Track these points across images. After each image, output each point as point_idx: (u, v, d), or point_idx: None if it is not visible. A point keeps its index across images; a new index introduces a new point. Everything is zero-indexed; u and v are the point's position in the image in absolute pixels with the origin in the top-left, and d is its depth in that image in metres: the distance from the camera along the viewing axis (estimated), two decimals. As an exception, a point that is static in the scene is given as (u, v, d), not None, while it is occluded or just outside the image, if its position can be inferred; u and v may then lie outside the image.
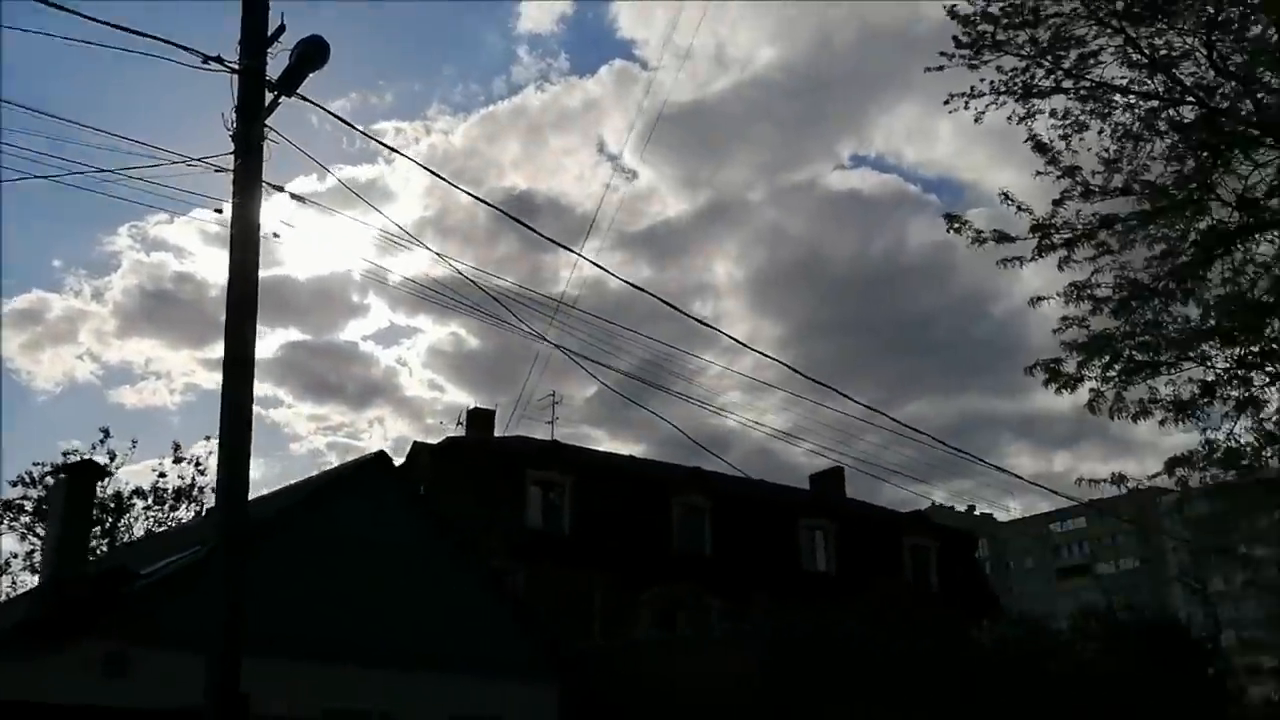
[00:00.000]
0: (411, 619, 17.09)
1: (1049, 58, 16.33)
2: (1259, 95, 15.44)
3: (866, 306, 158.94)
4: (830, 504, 36.19)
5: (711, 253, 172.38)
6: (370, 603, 16.76)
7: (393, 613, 16.98)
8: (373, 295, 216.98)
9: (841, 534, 34.95)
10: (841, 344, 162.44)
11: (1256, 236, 16.74)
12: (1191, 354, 16.97)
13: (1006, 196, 17.28)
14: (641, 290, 12.68)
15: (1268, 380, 16.35)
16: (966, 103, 16.89)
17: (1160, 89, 16.04)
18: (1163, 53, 15.65)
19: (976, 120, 17.11)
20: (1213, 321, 16.31)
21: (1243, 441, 17.01)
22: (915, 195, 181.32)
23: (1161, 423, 17.49)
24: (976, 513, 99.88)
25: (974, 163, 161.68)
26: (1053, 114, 16.59)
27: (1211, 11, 15.09)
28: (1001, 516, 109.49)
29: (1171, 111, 16.22)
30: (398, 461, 33.86)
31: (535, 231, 21.08)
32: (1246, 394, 16.63)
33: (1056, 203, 17.20)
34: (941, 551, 36.40)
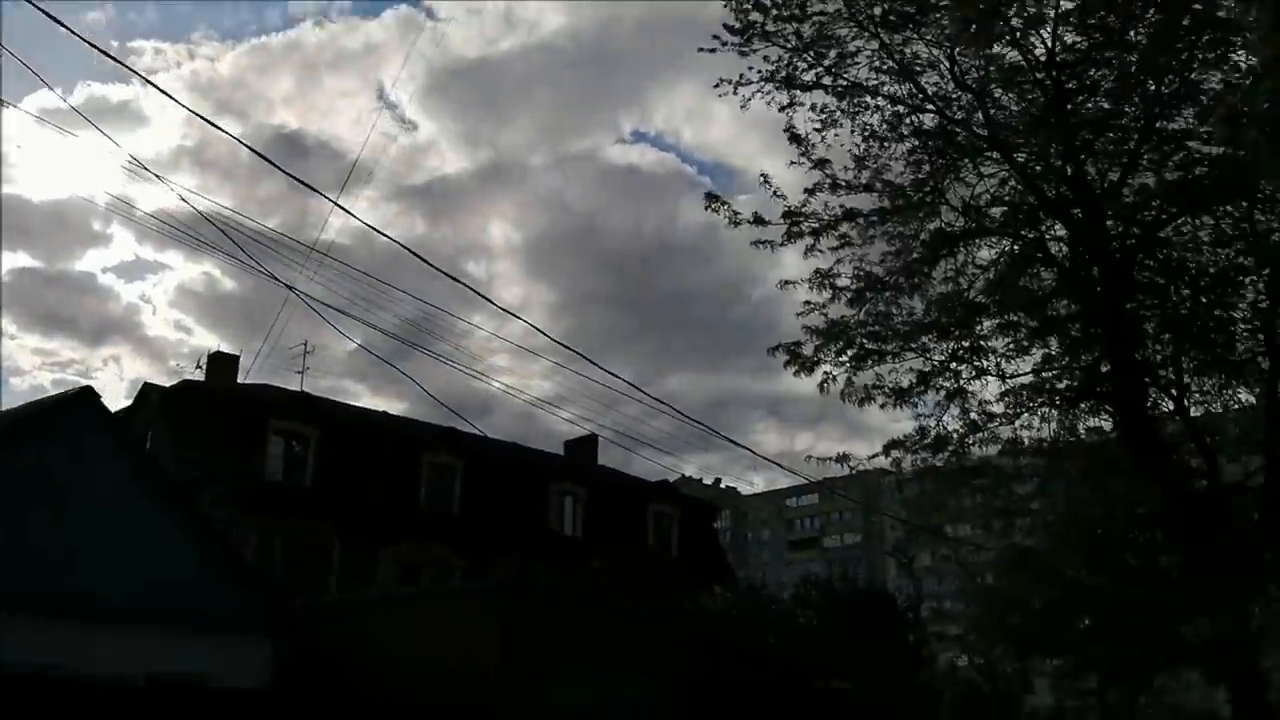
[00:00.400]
0: (108, 569, 15.72)
1: (812, 53, 17.04)
2: (991, 110, 16.74)
3: (639, 280, 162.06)
4: (582, 470, 36.65)
5: (489, 213, 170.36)
6: (61, 550, 15.27)
7: (87, 562, 15.58)
8: (117, 225, 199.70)
9: (591, 500, 35.48)
10: (613, 315, 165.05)
11: (977, 241, 18.25)
12: (913, 345, 18.34)
13: (765, 180, 18.02)
14: (403, 247, 12.20)
15: (974, 374, 17.93)
16: (735, 88, 17.36)
17: (906, 95, 17.12)
18: (911, 61, 16.67)
19: (743, 106, 17.67)
20: (933, 316, 17.66)
21: (950, 429, 18.64)
22: (690, 176, 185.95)
23: (882, 407, 18.84)
24: (722, 486, 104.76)
25: (746, 150, 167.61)
26: (812, 108, 17.39)
27: (958, 28, 16.16)
28: (745, 490, 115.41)
29: (914, 118, 17.37)
30: (126, 403, 31.38)
31: (290, 175, 19.89)
32: (956, 385, 18.19)
33: (809, 192, 18.09)
34: (683, 520, 37.72)
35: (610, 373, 17.17)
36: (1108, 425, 18.94)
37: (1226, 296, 17.83)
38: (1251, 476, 18.17)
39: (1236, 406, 18.80)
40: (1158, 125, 16.14)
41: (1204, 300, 17.78)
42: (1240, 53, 13.74)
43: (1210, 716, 47.22)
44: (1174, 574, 18.62)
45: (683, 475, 74.39)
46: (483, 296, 15.24)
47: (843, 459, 19.13)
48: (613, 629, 18.61)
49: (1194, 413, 18.54)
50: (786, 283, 20.31)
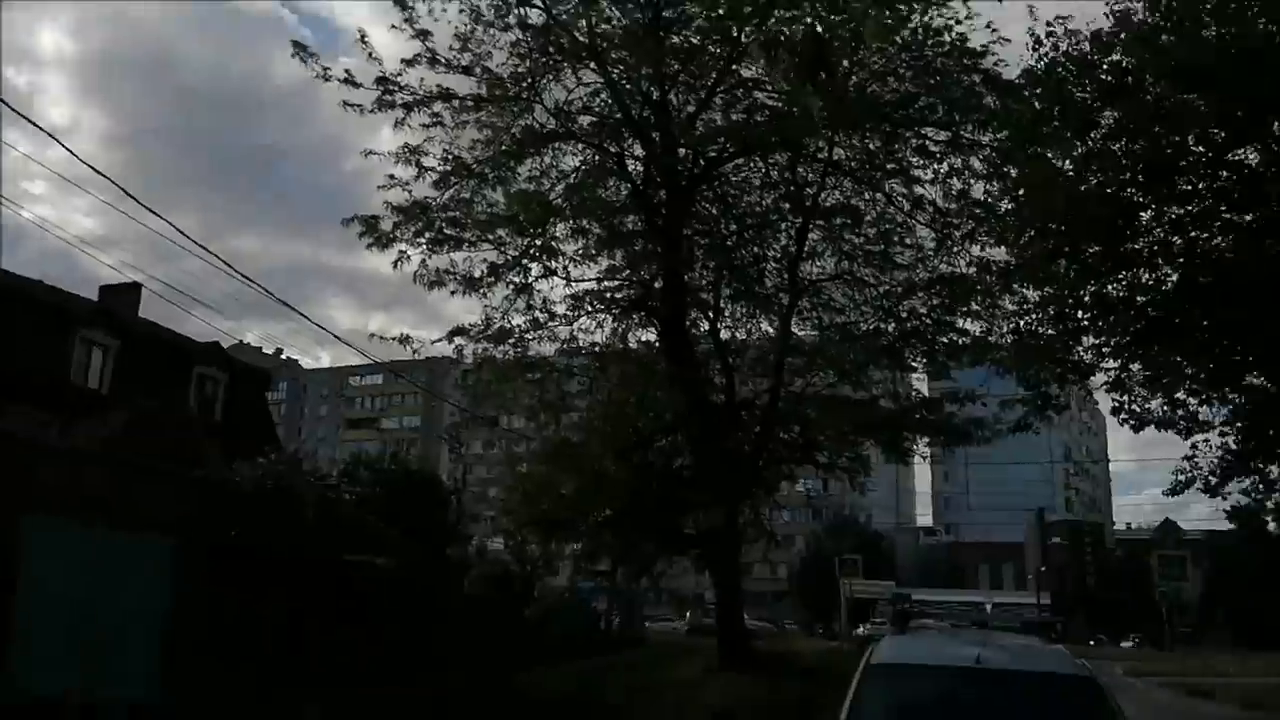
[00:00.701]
0: None
1: (427, -85, 16.36)
2: (594, 20, 17.18)
3: (218, 126, 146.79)
4: (116, 320, 33.06)
5: (36, 15, 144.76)
6: None
7: None
8: None
9: (124, 353, 32.12)
10: (182, 158, 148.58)
11: (564, 146, 18.89)
12: (490, 237, 18.68)
13: (363, 38, 17.15)
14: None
15: (543, 273, 18.67)
16: (343, -67, 16.27)
17: (515, -18, 17.05)
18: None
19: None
20: (513, 211, 17.99)
21: (514, 323, 19.33)
22: (291, 24, 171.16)
23: (453, 293, 19.06)
24: (283, 357, 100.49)
25: (355, 7, 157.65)
26: (422, -27, 16.75)
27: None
28: (308, 364, 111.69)
29: (522, 9, 17.39)
30: None
31: None
32: (525, 281, 18.85)
33: (407, 63, 17.54)
34: (233, 386, 35.53)
35: (165, 219, 15.29)
36: (653, 337, 20.78)
37: (765, 237, 20.15)
38: (760, 396, 20.87)
39: (758, 336, 21.32)
40: (735, 68, 17.59)
41: (746, 236, 19.93)
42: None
43: (700, 599, 54.80)
44: (685, 474, 20.91)
45: (241, 341, 70.43)
46: (9, 106, 12.94)
47: (405, 340, 19.20)
48: (125, 485, 17.21)
49: (724, 335, 20.85)
50: (371, 153, 19.85)
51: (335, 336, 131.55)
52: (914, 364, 20.45)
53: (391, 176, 18.49)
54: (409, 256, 18.41)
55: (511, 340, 19.21)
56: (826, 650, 28.09)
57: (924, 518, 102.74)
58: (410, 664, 16.36)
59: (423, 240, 18.58)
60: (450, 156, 18.51)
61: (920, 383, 22.61)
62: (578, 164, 19.00)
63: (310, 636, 15.90)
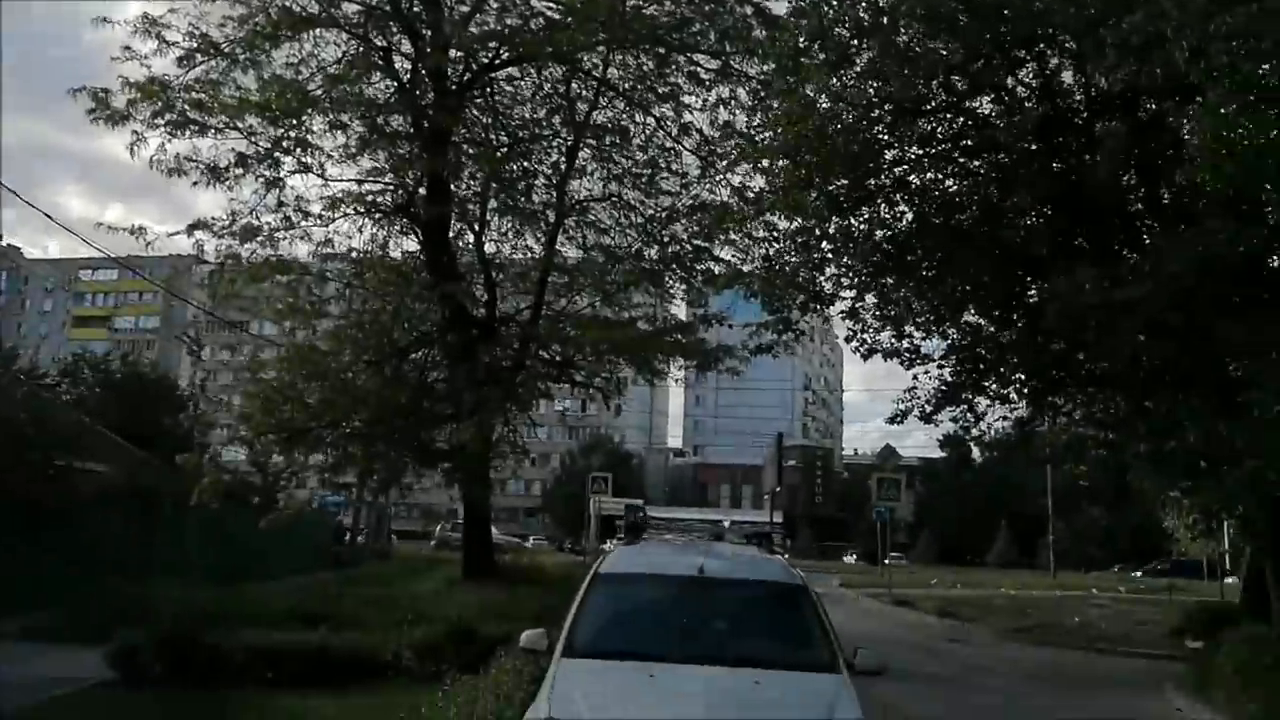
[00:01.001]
0: None
1: None
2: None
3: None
4: None
5: None
6: None
7: None
8: None
9: None
10: None
11: (326, 34, 17.58)
12: (239, 125, 17.24)
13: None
14: None
15: (297, 168, 17.48)
16: None
17: None
18: None
19: None
20: (266, 98, 16.66)
21: (263, 220, 18.06)
22: None
23: (195, 184, 17.55)
24: (3, 244, 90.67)
25: None
26: None
27: None
28: (32, 254, 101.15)
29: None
30: None
31: None
32: (277, 176, 17.59)
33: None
34: (-68, 271, 31.71)
35: None
36: (415, 246, 20.05)
37: (535, 151, 19.79)
38: (521, 312, 20.69)
39: (523, 252, 21.03)
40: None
41: (517, 149, 19.50)
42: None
43: (452, 514, 54.84)
44: (439, 387, 20.50)
45: (-57, 222, 62.64)
46: None
47: (138, 231, 17.60)
48: None
49: (489, 249, 20.41)
50: (105, 20, 17.78)
51: (53, 220, 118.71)
52: (673, 289, 20.90)
53: (128, 49, 16.76)
54: (145, 139, 16.84)
55: (260, 238, 17.96)
56: (570, 563, 28.79)
57: (675, 439, 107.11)
58: (120, 574, 15.35)
59: (161, 122, 17.00)
60: (197, 33, 16.97)
61: (678, 307, 23.20)
62: (340, 55, 17.86)
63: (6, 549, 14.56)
